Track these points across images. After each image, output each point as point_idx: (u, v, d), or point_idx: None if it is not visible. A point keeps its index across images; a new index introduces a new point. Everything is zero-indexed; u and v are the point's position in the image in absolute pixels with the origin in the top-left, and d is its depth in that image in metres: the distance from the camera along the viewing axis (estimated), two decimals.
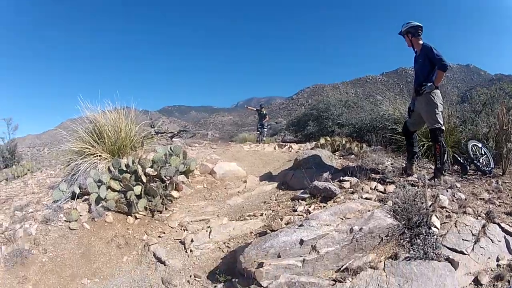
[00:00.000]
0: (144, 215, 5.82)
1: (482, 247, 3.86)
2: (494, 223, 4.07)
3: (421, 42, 5.61)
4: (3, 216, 5.98)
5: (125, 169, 6.28)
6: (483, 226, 4.10)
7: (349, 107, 16.21)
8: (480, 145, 6.53)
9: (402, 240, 3.79)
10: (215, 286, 4.02)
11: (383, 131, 9.53)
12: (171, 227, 5.55)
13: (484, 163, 6.25)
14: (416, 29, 5.64)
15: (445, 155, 5.60)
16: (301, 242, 3.76)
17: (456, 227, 4.03)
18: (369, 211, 4.22)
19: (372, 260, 3.58)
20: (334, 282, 3.35)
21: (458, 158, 6.48)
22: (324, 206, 4.86)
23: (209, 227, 5.23)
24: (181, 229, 5.44)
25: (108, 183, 5.98)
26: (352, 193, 5.09)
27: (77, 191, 6.11)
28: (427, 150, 7.23)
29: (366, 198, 4.77)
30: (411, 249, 3.64)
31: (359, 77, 75.92)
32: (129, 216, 5.75)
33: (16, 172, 11.04)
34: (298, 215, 4.83)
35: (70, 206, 5.86)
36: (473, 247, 3.85)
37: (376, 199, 4.72)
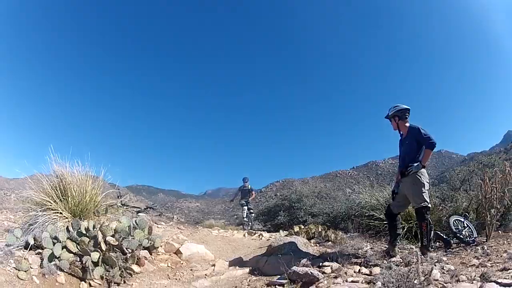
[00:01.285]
0: (100, 284, 5.16)
1: None
2: (491, 281, 3.81)
3: (407, 124, 5.66)
4: None
5: (84, 232, 5.69)
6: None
7: (321, 198, 16.23)
8: (462, 219, 6.59)
9: None
10: None
11: (359, 218, 9.40)
12: None
13: (467, 234, 6.26)
14: (403, 112, 5.67)
15: (432, 232, 5.42)
16: None
17: None
18: None
19: None
20: None
21: (441, 234, 6.41)
22: None
23: None
24: None
25: (64, 243, 5.37)
26: (336, 277, 4.69)
27: (31, 242, 5.51)
28: (406, 232, 7.21)
29: (352, 281, 4.39)
30: None
31: (329, 172, 75.99)
32: (83, 282, 5.08)
33: None
34: None
35: (21, 255, 5.20)
36: None
37: (363, 281, 4.34)
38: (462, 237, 6.21)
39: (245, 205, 15.05)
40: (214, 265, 6.42)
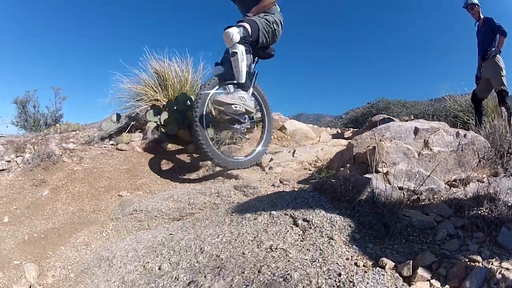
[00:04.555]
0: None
1: None
2: None
3: (482, 16, 6.30)
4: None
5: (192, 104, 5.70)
6: None
7: (407, 108, 15.72)
8: None
9: (495, 165, 3.60)
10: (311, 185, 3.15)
11: (446, 118, 9.15)
12: None
13: None
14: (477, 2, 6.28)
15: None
16: (416, 131, 3.53)
17: None
18: None
19: (476, 176, 3.34)
20: (449, 187, 3.05)
21: None
22: None
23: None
24: None
25: (171, 113, 5.49)
26: None
27: (132, 122, 5.55)
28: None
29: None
30: (506, 171, 3.51)
31: (407, 101, 74.35)
32: (190, 145, 5.18)
33: (60, 129, 10.13)
34: None
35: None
36: None
37: None
38: None
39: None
40: (319, 136, 6.40)
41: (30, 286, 2.48)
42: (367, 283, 1.60)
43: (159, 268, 2.32)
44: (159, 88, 6.73)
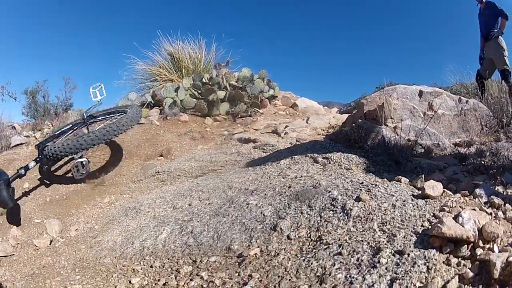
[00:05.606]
0: (225, 119, 5.51)
1: None
2: None
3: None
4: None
5: (207, 81, 5.99)
6: None
7: None
8: None
9: (497, 134, 3.79)
10: (327, 137, 3.42)
11: None
12: (255, 130, 5.12)
13: None
14: None
15: None
16: (420, 93, 3.83)
17: None
18: None
19: (478, 140, 3.55)
20: (454, 145, 3.32)
21: None
22: None
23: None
24: (268, 127, 4.95)
25: (188, 90, 5.68)
26: None
27: (149, 99, 5.79)
28: None
29: None
30: (508, 138, 3.68)
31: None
32: (207, 117, 5.43)
33: (73, 116, 10.24)
34: None
35: None
36: None
37: None
38: None
39: None
40: (330, 112, 6.58)
41: (52, 240, 2.63)
42: (387, 186, 1.86)
43: (189, 205, 2.53)
44: (173, 69, 7.02)
